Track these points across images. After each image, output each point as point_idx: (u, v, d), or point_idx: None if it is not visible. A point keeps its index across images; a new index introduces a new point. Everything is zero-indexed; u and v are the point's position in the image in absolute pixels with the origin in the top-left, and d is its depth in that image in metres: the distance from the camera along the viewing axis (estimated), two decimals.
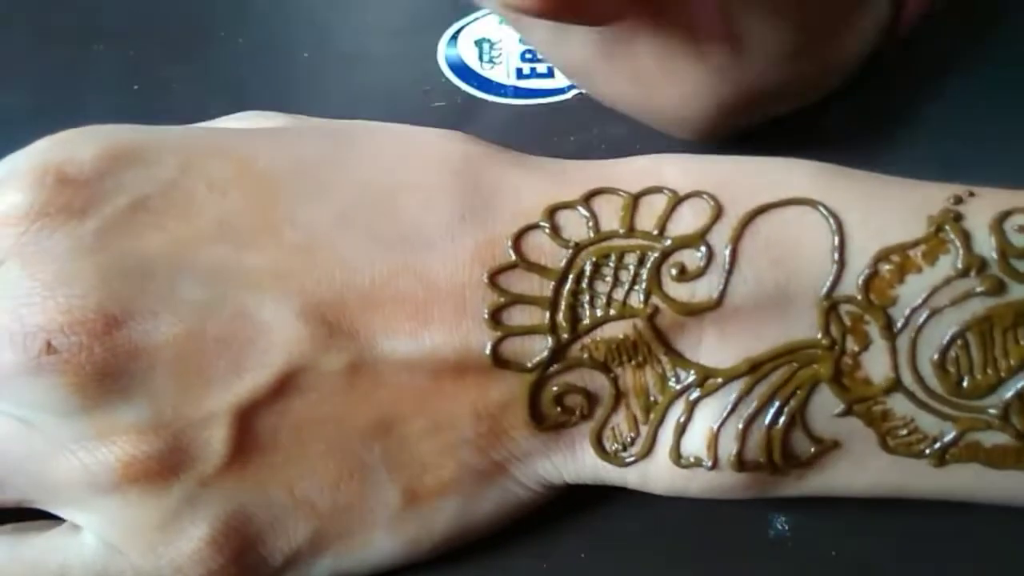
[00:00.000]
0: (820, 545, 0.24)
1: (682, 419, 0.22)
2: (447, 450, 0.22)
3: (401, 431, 0.21)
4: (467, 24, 0.34)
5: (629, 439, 0.22)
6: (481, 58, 0.33)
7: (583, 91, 0.29)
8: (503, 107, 0.32)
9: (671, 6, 0.25)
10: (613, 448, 0.22)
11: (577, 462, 0.22)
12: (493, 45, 0.33)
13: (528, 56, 0.33)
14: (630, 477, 0.23)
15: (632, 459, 0.22)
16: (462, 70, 0.32)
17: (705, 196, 0.22)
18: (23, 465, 0.21)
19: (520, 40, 0.33)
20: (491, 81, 0.32)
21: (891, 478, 0.22)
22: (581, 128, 0.31)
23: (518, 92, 0.32)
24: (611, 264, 0.21)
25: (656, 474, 0.22)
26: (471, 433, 0.22)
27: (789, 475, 0.22)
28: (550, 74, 0.32)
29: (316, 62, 0.33)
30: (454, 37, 0.33)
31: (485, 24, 0.34)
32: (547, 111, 0.32)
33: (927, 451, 0.21)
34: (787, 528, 0.24)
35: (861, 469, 0.22)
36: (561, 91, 0.32)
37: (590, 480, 0.23)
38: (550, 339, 0.21)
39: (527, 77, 0.32)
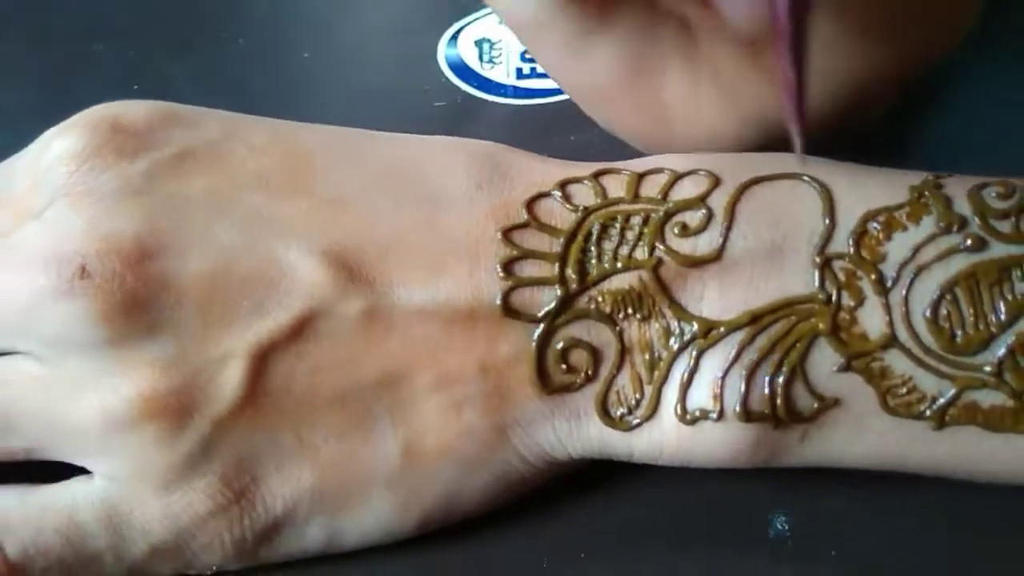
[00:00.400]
0: (820, 545, 0.24)
1: (686, 373, 0.22)
2: (452, 408, 0.22)
3: (409, 384, 0.22)
4: (467, 24, 0.34)
5: (634, 400, 0.23)
6: (481, 58, 0.33)
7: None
8: (503, 107, 0.32)
9: (709, 44, 0.25)
10: (619, 413, 0.23)
11: (581, 432, 0.23)
12: (493, 45, 0.33)
13: (528, 56, 0.33)
14: (636, 444, 0.23)
15: (638, 421, 0.23)
16: (462, 70, 0.33)
17: (703, 172, 0.23)
18: (41, 407, 0.22)
19: None
20: (491, 81, 0.32)
21: (893, 443, 0.22)
22: (581, 128, 0.31)
23: (518, 92, 0.32)
24: (617, 225, 0.23)
25: (662, 438, 0.23)
26: (477, 389, 0.22)
27: (793, 432, 0.22)
28: None
29: (316, 62, 0.33)
30: (454, 37, 0.33)
31: (485, 24, 0.34)
32: (547, 111, 0.32)
33: (927, 411, 0.22)
34: (787, 528, 0.24)
35: (863, 431, 0.22)
36: (561, 91, 0.32)
37: (595, 453, 0.23)
38: (559, 289, 0.22)
39: (527, 77, 0.33)
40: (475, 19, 0.34)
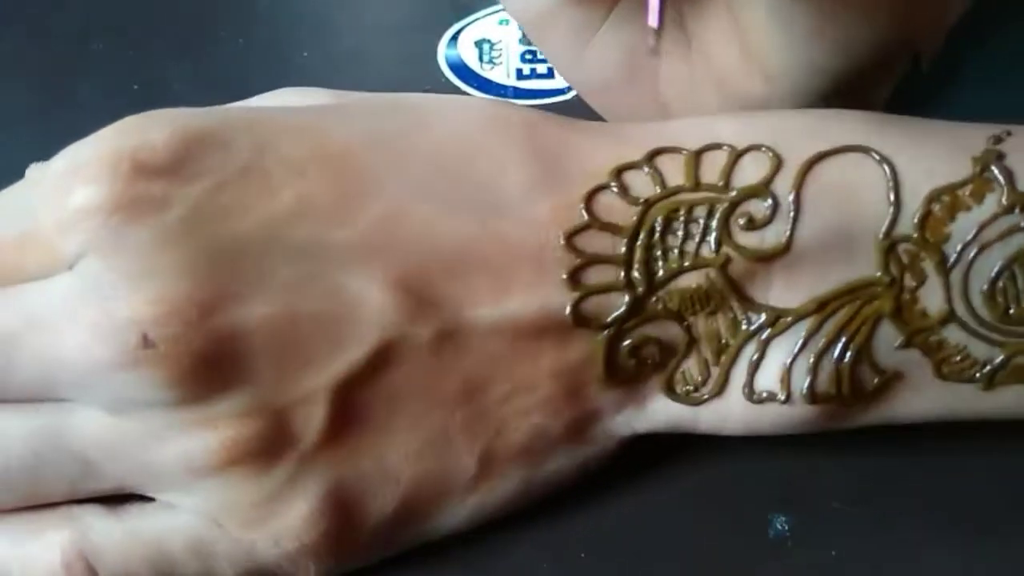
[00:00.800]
0: (820, 545, 0.24)
1: (754, 357, 0.23)
2: (523, 414, 0.23)
3: (482, 397, 0.22)
4: (467, 25, 0.34)
5: (700, 380, 0.23)
6: (481, 59, 0.33)
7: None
8: None
9: (704, 39, 0.25)
10: (685, 390, 0.23)
11: (648, 413, 0.24)
12: (493, 46, 0.33)
13: (528, 56, 0.33)
14: (703, 417, 0.24)
15: (706, 397, 0.23)
16: (462, 70, 0.33)
17: (764, 148, 0.23)
18: (120, 454, 0.21)
19: (521, 41, 0.33)
20: (491, 81, 0.33)
21: (944, 404, 0.23)
22: None
23: (518, 92, 0.32)
24: (681, 218, 0.23)
25: (729, 411, 0.23)
26: (548, 393, 0.23)
27: (856, 406, 0.23)
28: (550, 75, 0.33)
29: (316, 62, 0.33)
30: (454, 37, 0.33)
31: (485, 25, 0.34)
32: (547, 111, 0.32)
33: (977, 375, 0.23)
34: (787, 528, 0.24)
35: (918, 397, 0.23)
36: (561, 91, 0.32)
37: (661, 429, 0.24)
38: (627, 295, 0.22)
39: (527, 77, 0.33)
40: (475, 19, 0.34)
